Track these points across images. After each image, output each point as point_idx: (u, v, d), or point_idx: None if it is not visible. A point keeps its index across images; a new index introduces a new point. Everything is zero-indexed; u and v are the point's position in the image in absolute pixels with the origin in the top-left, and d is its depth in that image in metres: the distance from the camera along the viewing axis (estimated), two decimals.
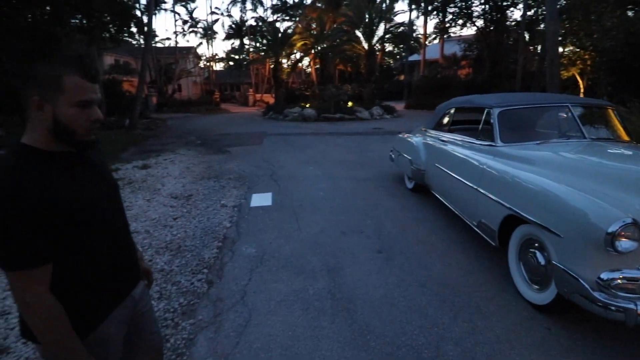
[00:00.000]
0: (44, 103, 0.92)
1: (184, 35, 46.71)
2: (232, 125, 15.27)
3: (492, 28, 19.89)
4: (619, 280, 1.84)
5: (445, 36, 23.64)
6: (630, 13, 8.91)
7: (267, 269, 2.98)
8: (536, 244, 2.35)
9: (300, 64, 30.27)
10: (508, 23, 19.99)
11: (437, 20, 23.49)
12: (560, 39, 10.63)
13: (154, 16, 16.04)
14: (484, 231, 2.93)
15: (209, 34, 40.78)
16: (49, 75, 0.91)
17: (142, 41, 15.39)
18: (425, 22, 24.64)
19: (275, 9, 34.21)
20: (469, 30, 23.78)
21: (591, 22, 9.16)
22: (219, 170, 6.72)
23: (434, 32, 26.91)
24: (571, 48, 10.34)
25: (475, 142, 3.29)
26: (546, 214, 2.17)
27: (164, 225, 4.00)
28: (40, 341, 0.94)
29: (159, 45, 36.18)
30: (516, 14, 21.46)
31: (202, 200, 4.90)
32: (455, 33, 22.78)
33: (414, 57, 28.67)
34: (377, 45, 22.15)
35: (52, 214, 0.89)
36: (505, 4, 19.34)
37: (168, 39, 45.91)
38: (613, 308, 1.80)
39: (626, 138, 3.03)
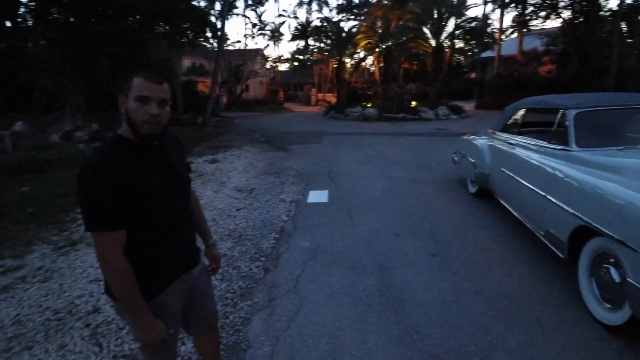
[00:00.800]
0: (125, 100, 1.18)
1: (253, 37, 49.17)
2: (294, 124, 15.77)
3: (581, 19, 17.78)
4: None
5: (524, 30, 21.72)
6: None
7: (319, 262, 3.11)
8: (611, 259, 2.14)
9: (363, 63, 30.19)
10: (601, 13, 17.70)
11: (515, 12, 21.73)
12: None
13: (226, 21, 17.20)
14: (551, 242, 2.73)
15: (275, 35, 42.58)
16: (129, 79, 1.18)
17: (215, 45, 16.61)
18: (502, 15, 22.92)
19: (340, 9, 34.44)
20: (553, 23, 21.47)
21: None
22: (280, 167, 7.05)
23: (511, 26, 24.88)
24: None
25: (547, 145, 3.05)
26: (624, 227, 1.96)
27: (228, 215, 4.35)
28: (114, 295, 1.17)
29: (230, 48, 38.83)
30: (611, 2, 18.93)
31: (263, 194, 5.22)
32: (537, 26, 20.81)
33: (487, 54, 26.83)
34: (446, 42, 21.13)
35: (127, 190, 1.11)
36: None
37: (238, 41, 48.73)
38: None
39: None
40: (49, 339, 2.16)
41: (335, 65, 23.34)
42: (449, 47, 22.69)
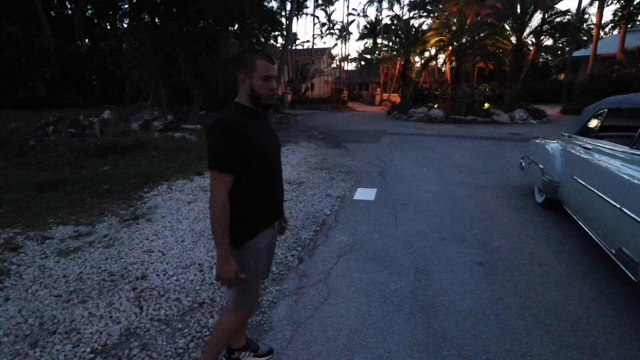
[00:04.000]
0: (246, 78, 1.44)
1: (322, 37, 50.02)
2: (354, 122, 15.69)
3: None
4: None
5: (628, 25, 18.84)
6: None
7: (354, 258, 3.05)
8: None
9: (433, 62, 28.85)
10: None
11: (617, 5, 18.97)
12: None
13: (295, 20, 17.67)
14: (623, 262, 2.33)
15: (344, 35, 42.74)
16: (249, 60, 1.43)
17: (282, 42, 17.18)
18: (601, 7, 20.10)
19: (412, 6, 33.38)
20: None
21: None
22: (332, 163, 7.07)
23: (611, 21, 21.81)
24: None
25: (629, 151, 2.61)
26: None
27: None
28: (213, 224, 1.42)
29: (299, 47, 39.91)
30: None
31: (311, 188, 5.27)
32: None
33: (580, 52, 23.89)
34: (530, 39, 19.18)
35: (246, 143, 1.39)
36: None
37: (307, 41, 49.92)
38: None
39: None
40: (101, 296, 2.43)
41: (402, 63, 22.65)
42: (533, 44, 20.59)
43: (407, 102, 19.24)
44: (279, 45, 18.55)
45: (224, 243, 1.42)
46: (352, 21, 61.63)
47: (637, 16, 17.66)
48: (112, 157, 6.65)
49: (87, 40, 21.26)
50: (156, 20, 11.77)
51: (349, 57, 47.60)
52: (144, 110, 10.05)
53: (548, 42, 24.51)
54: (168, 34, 11.02)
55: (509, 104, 15.67)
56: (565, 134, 4.01)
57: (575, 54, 23.79)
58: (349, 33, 50.57)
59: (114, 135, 7.57)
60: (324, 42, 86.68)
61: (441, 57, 24.56)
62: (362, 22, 65.92)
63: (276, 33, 14.43)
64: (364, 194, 4.93)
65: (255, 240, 1.52)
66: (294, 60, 30.99)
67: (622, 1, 17.91)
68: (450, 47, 20.60)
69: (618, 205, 2.40)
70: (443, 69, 28.80)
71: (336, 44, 64.65)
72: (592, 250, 3.08)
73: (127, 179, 5.26)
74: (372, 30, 37.64)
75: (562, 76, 25.53)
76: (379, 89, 32.81)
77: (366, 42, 40.43)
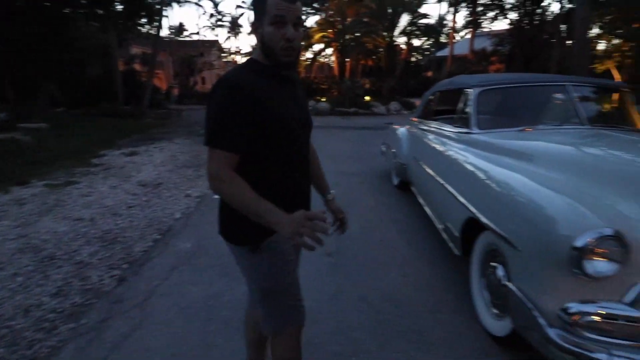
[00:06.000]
0: (258, 26, 1.06)
1: (213, 29, 47.41)
2: None
3: (526, 21, 18.47)
4: (594, 317, 1.29)
5: (477, 30, 22.29)
6: None
7: (192, 268, 2.59)
8: (498, 257, 1.81)
9: (323, 58, 29.78)
10: (544, 16, 18.47)
11: (467, 12, 22.25)
12: (594, 29, 9.59)
13: (178, 9, 16.03)
14: (449, 237, 2.40)
15: (235, 27, 41.19)
16: (260, 1, 1.03)
17: (163, 32, 15.48)
18: (455, 14, 23.38)
19: (301, 2, 33.81)
20: (502, 24, 22.26)
21: (631, 8, 8.11)
22: (205, 159, 6.41)
23: (463, 26, 25.57)
24: (607, 41, 9.29)
25: (452, 129, 2.74)
26: (504, 219, 1.63)
27: (113, 213, 3.71)
28: (236, 208, 1.01)
29: (186, 39, 36.95)
30: (554, 6, 19.86)
31: (170, 189, 4.60)
32: (487, 27, 21.44)
33: (442, 53, 27.40)
34: (400, 38, 21.21)
35: (257, 113, 1.02)
36: None
37: (197, 33, 46.61)
38: (574, 355, 1.26)
39: None
40: None
41: None
42: (405, 44, 22.84)
43: None
44: (163, 35, 16.60)
45: (265, 209, 0.97)
46: (242, 14, 59.93)
47: (480, 23, 21.02)
48: None
49: None
50: None
51: (242, 51, 46.19)
52: None
53: (417, 42, 27.65)
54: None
55: (386, 97, 16.98)
56: (413, 119, 4.22)
57: (439, 54, 27.25)
58: (240, 26, 48.89)
59: None
60: (216, 35, 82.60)
61: (330, 53, 25.44)
62: (252, 15, 64.54)
63: (143, 20, 12.72)
64: None
65: (277, 237, 1.09)
66: (180, 52, 28.52)
67: (469, 8, 21.01)
68: (335, 44, 21.43)
69: (442, 182, 2.46)
70: (333, 64, 30.04)
71: (229, 37, 62.03)
72: (431, 228, 3.22)
73: None
74: None
75: (430, 73, 29.05)
76: None
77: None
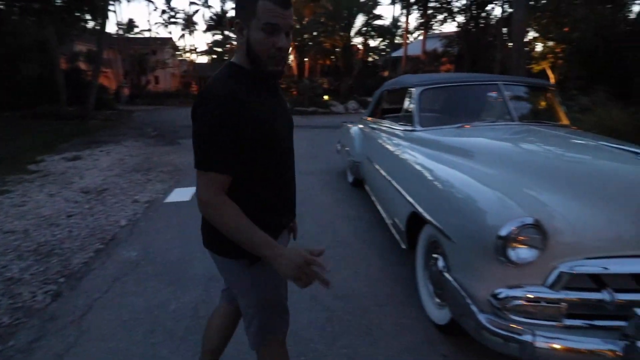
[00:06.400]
0: (243, 27, 0.97)
1: (166, 26, 45.34)
2: None
3: (472, 25, 19.56)
4: (520, 301, 1.39)
5: (428, 32, 23.24)
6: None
7: (135, 278, 2.46)
8: (439, 249, 1.89)
9: None
10: (488, 20, 19.66)
11: (418, 14, 23.10)
12: (531, 32, 10.34)
13: (127, 4, 15.07)
14: (397, 231, 2.47)
15: (189, 25, 39.71)
16: (249, 1, 0.94)
17: (110, 28, 14.55)
18: (408, 16, 24.23)
19: None
20: (451, 27, 23.40)
21: (562, 14, 8.87)
22: (157, 162, 6.14)
23: (415, 28, 26.55)
24: (542, 43, 10.08)
25: (398, 127, 2.82)
26: (441, 213, 1.71)
27: (50, 224, 3.43)
28: (228, 236, 0.96)
29: (137, 36, 35.03)
30: (497, 10, 21.21)
31: (116, 195, 4.33)
32: (437, 29, 22.42)
33: (397, 53, 28.26)
34: (357, 39, 21.62)
35: (248, 126, 0.95)
36: None
37: (148, 30, 44.34)
38: (503, 338, 1.34)
39: (565, 122, 2.60)
40: None
41: None
42: (362, 44, 23.28)
43: None
44: (111, 31, 15.55)
45: (260, 239, 0.94)
46: (197, 11, 57.97)
47: (431, 25, 21.94)
48: None
49: None
50: None
51: (197, 50, 44.67)
52: None
53: (374, 43, 28.30)
54: None
55: (344, 96, 17.25)
56: (365, 117, 4.30)
57: (395, 54, 28.09)
58: (194, 23, 47.19)
59: None
60: (170, 32, 79.14)
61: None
62: (208, 12, 62.64)
63: (87, 15, 11.86)
64: (180, 194, 4.32)
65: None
66: (130, 49, 27.01)
67: (421, 10, 21.86)
68: (293, 43, 21.37)
69: (389, 179, 2.53)
70: (292, 64, 29.92)
71: (183, 35, 59.70)
72: (382, 224, 3.31)
73: None
74: (218, 22, 35.99)
75: (386, 73, 29.90)
76: None
77: (214, 34, 38.56)
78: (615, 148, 1.69)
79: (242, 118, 0.94)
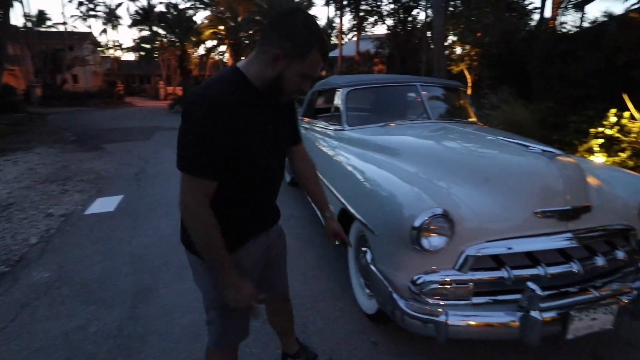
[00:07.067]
0: (281, 60, 0.96)
1: (85, 19, 41.09)
2: (128, 119, 13.58)
3: (400, 28, 20.71)
4: (435, 285, 1.51)
5: (361, 33, 24.10)
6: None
7: (49, 301, 2.21)
8: (366, 243, 1.99)
9: (218, 56, 28.56)
10: (415, 23, 20.97)
11: (351, 16, 23.86)
12: (451, 37, 11.25)
13: None
14: None
15: (111, 19, 36.51)
16: (302, 43, 0.95)
17: (16, 20, 12.72)
18: (341, 17, 24.88)
19: None
20: (382, 29, 24.67)
21: (474, 21, 9.81)
22: (75, 171, 5.56)
23: (349, 29, 27.40)
24: (461, 47, 11.06)
25: (329, 127, 2.90)
26: (365, 208, 1.80)
27: None
28: (196, 245, 1.01)
29: (50, 29, 31.25)
30: (421, 15, 22.74)
31: (24, 209, 3.85)
32: (369, 31, 23.36)
33: (334, 54, 28.92)
34: None
35: (235, 135, 0.96)
36: (411, 4, 20.24)
37: (64, 23, 39.78)
38: (421, 321, 1.46)
39: (473, 119, 2.89)
40: None
41: (179, 54, 21.24)
42: None
43: None
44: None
45: (222, 263, 1.00)
46: (120, 4, 53.52)
47: (364, 27, 22.83)
48: None
49: None
50: None
51: (123, 46, 41.24)
52: None
53: None
54: None
55: None
56: (300, 118, 4.34)
57: (331, 54, 28.71)
58: (118, 17, 43.42)
59: None
60: (89, 27, 71.92)
61: (222, 51, 24.52)
62: (133, 6, 58.18)
63: None
64: (103, 204, 3.97)
65: (239, 254, 1.12)
66: (42, 44, 24.03)
67: (353, 12, 22.62)
68: (229, 41, 20.74)
69: (321, 177, 2.59)
70: (228, 63, 28.99)
71: (104, 30, 54.60)
72: (319, 222, 3.38)
73: None
74: (145, 16, 33.53)
75: (324, 72, 30.50)
76: (161, 82, 29.87)
77: (141, 30, 35.88)
78: (510, 142, 1.91)
79: (230, 126, 0.94)
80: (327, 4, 24.91)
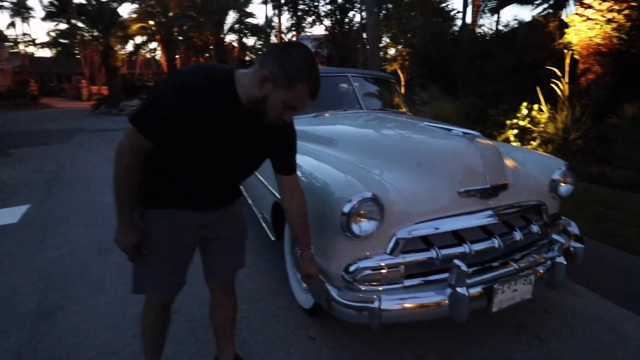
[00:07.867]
0: (268, 83, 1.01)
1: None
2: (44, 122, 12.12)
3: (337, 28, 21.13)
4: (368, 271, 1.48)
5: (300, 33, 24.14)
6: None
7: None
8: None
9: (149, 53, 26.69)
10: (351, 24, 21.54)
11: (289, 16, 23.77)
12: (385, 37, 11.73)
13: None
14: (265, 223, 2.44)
15: (20, 11, 32.38)
16: (293, 74, 0.99)
17: None
18: (279, 16, 24.69)
19: None
20: (321, 30, 24.99)
21: (404, 22, 10.34)
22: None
23: (287, 29, 27.29)
24: (394, 47, 11.61)
25: None
26: None
27: None
28: (115, 189, 1.09)
29: None
30: (357, 17, 23.46)
31: None
32: (309, 32, 23.47)
33: None
34: (231, 36, 20.98)
35: (187, 121, 1.00)
36: (347, 5, 20.74)
37: None
38: (355, 309, 1.42)
39: (403, 109, 2.97)
40: None
41: (102, 50, 19.48)
42: (237, 42, 22.69)
43: (117, 95, 16.76)
44: None
45: (125, 209, 1.11)
46: None
47: (303, 26, 22.89)
48: None
49: None
50: None
51: (36, 41, 36.70)
52: None
53: (250, 42, 27.98)
54: None
55: None
56: None
57: None
58: (28, 9, 38.55)
59: None
60: None
61: (154, 47, 22.94)
62: None
63: None
64: (4, 216, 3.42)
65: (161, 213, 1.17)
66: None
67: (291, 11, 22.57)
68: (159, 37, 19.46)
69: (256, 172, 2.47)
70: (161, 60, 27.20)
71: (13, 22, 48.17)
72: (255, 220, 3.26)
73: None
74: (62, 8, 30.15)
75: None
76: (84, 81, 27.16)
77: (57, 24, 32.20)
78: (435, 127, 1.97)
79: (187, 110, 0.98)
80: (265, 2, 24.55)
